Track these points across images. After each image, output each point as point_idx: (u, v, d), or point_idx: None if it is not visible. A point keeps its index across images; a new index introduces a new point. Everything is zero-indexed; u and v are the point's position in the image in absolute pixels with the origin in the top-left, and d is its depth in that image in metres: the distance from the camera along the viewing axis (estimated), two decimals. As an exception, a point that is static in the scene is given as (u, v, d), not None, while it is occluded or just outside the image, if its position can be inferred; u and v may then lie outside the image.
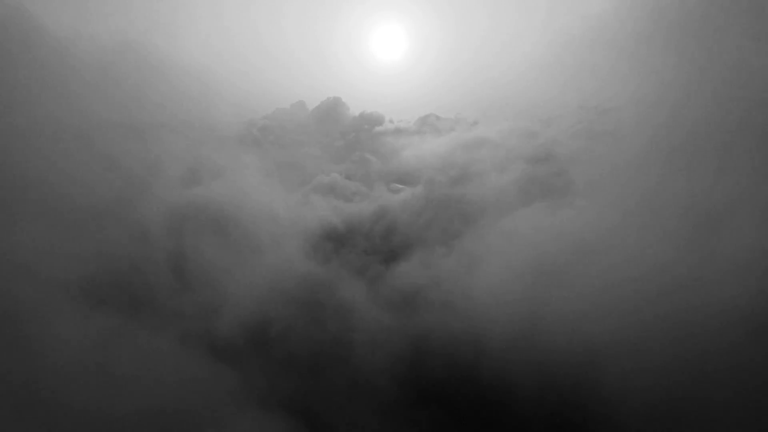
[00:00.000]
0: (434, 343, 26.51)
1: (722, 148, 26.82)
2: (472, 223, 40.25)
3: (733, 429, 17.68)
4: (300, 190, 54.60)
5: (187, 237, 34.31)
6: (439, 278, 32.36)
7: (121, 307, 25.07)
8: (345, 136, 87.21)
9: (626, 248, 26.79)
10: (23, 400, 17.51)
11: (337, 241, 40.74)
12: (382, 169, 69.93)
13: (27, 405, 17.46)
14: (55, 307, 21.89)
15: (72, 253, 25.73)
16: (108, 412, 17.85)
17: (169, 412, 18.63)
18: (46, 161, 30.64)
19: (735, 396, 17.88)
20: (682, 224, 25.18)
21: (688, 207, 25.85)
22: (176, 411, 18.80)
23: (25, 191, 27.82)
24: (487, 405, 22.59)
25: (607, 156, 43.17)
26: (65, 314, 21.84)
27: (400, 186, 59.13)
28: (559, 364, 21.67)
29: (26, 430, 17.08)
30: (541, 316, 25.03)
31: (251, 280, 31.71)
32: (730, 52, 31.29)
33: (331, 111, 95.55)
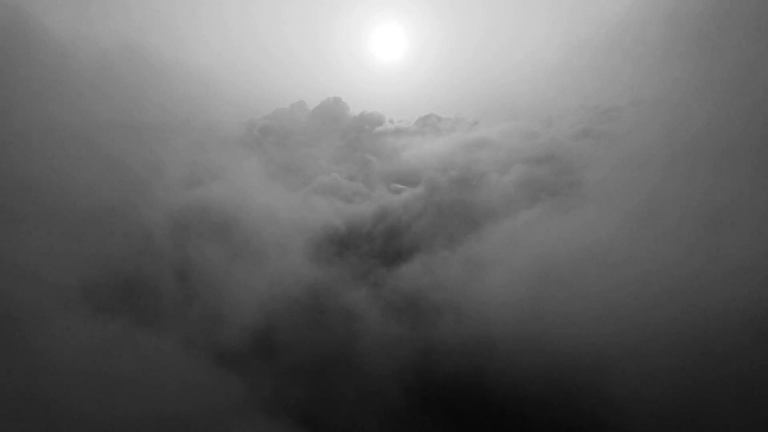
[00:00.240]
0: (439, 347, 26.38)
1: (725, 150, 26.77)
2: (474, 225, 40.14)
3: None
4: (301, 190, 54.50)
5: (189, 240, 34.18)
6: (442, 282, 32.26)
7: (123, 311, 24.89)
8: (345, 136, 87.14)
9: (629, 250, 26.70)
10: (26, 405, 17.39)
11: (339, 244, 40.63)
12: (383, 170, 69.86)
13: (29, 410, 17.35)
14: (58, 311, 21.74)
15: (74, 256, 25.56)
16: (110, 417, 17.71)
17: (172, 417, 18.47)
18: (47, 163, 30.47)
19: (742, 399, 17.76)
20: (685, 225, 25.10)
21: (692, 208, 25.77)
22: (179, 417, 18.64)
23: (25, 193, 27.66)
24: (493, 411, 22.44)
25: (608, 157, 43.14)
26: (67, 319, 21.68)
27: (401, 186, 59.06)
28: (566, 367, 21.54)
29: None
30: (544, 318, 24.95)
31: (254, 284, 31.57)
32: (733, 54, 31.23)
33: (331, 111, 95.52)
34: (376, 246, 40.81)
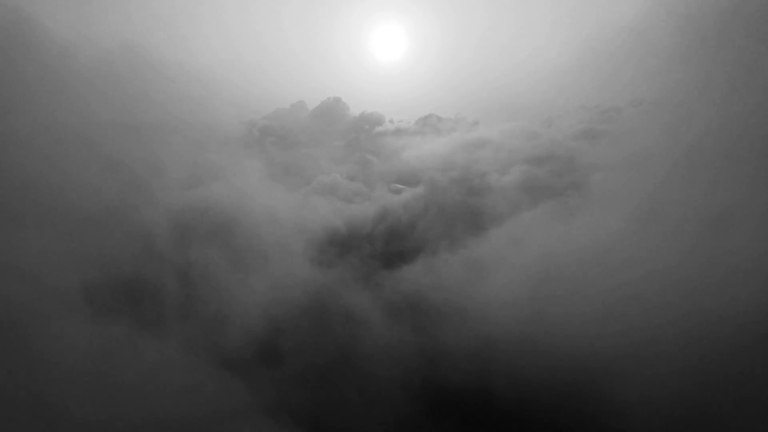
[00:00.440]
0: (442, 349, 26.28)
1: (726, 150, 26.71)
2: (475, 226, 40.14)
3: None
4: (301, 190, 54.50)
5: (190, 241, 34.10)
6: (443, 283, 32.20)
7: (124, 313, 24.80)
8: (345, 136, 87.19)
9: (631, 250, 26.64)
10: (27, 408, 17.32)
11: (340, 246, 40.53)
12: (383, 170, 69.88)
13: (30, 413, 17.28)
14: (58, 313, 21.65)
15: (74, 258, 25.48)
16: (112, 421, 17.64)
17: (174, 421, 18.39)
18: (47, 163, 30.42)
19: (746, 401, 17.69)
20: (687, 226, 25.03)
21: (694, 208, 25.69)
22: (181, 420, 18.55)
23: (25, 194, 27.62)
24: (496, 413, 22.31)
25: (609, 157, 43.06)
26: (68, 321, 21.59)
27: (401, 186, 59.07)
28: (568, 369, 21.44)
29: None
30: (547, 319, 24.87)
31: (256, 287, 31.45)
32: (734, 55, 31.17)
33: (331, 111, 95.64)
34: (377, 247, 40.77)
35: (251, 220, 38.64)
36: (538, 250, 31.75)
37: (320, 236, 40.96)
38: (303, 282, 32.67)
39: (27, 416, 17.15)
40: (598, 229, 31.17)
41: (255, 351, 26.62)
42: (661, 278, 23.27)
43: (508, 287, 28.82)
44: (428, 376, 25.26)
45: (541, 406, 21.05)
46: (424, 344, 27.38)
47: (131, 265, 29.66)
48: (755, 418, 17.41)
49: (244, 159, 58.19)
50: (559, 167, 54.45)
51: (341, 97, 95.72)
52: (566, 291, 26.24)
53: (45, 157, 30.85)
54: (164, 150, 43.31)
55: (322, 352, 27.16)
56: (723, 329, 19.07)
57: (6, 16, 35.22)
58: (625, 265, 25.74)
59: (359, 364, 26.49)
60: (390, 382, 24.96)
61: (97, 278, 25.82)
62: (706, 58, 33.80)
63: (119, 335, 22.29)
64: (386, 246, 41.27)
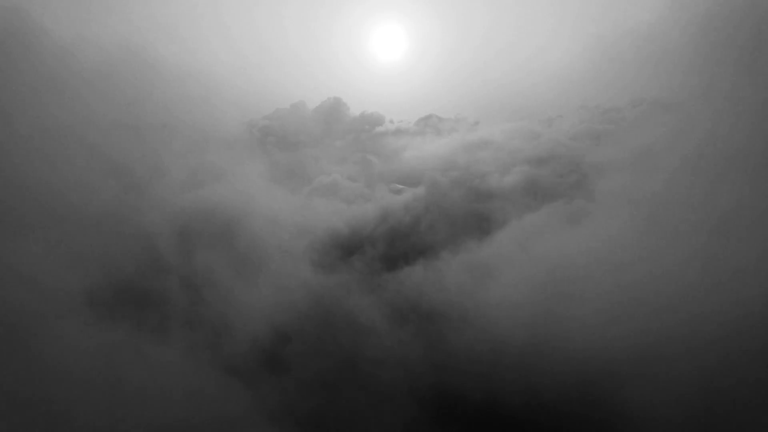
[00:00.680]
0: (448, 355, 26.08)
1: (730, 153, 26.57)
2: (477, 227, 39.99)
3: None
4: (302, 191, 54.33)
5: (191, 244, 33.93)
6: (446, 285, 31.98)
7: (126, 316, 24.64)
8: (345, 137, 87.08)
9: (637, 252, 26.48)
10: (28, 412, 17.18)
11: (342, 248, 40.27)
12: (383, 170, 69.76)
13: (32, 417, 17.14)
14: (59, 317, 21.49)
15: (76, 261, 25.32)
16: (114, 425, 17.53)
17: (177, 426, 18.26)
18: (48, 165, 30.22)
19: (758, 406, 17.54)
20: (693, 228, 24.86)
21: (699, 210, 25.54)
22: (185, 427, 18.41)
23: (25, 196, 27.43)
24: (505, 420, 22.14)
25: (611, 158, 42.92)
26: (70, 325, 21.42)
27: (401, 186, 58.89)
28: (576, 374, 21.27)
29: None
30: (552, 322, 24.69)
31: (259, 291, 31.26)
32: (737, 58, 31.01)
33: (331, 111, 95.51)
34: (378, 249, 40.55)
35: (253, 223, 38.49)
36: (542, 252, 31.58)
37: (322, 239, 40.75)
38: (306, 286, 32.46)
39: (29, 420, 17.01)
40: (602, 231, 31.02)
41: (259, 356, 26.38)
42: (668, 280, 23.11)
43: (512, 290, 28.64)
44: (434, 380, 25.01)
45: (547, 411, 20.89)
46: (429, 348, 27.18)
47: (132, 268, 29.49)
48: (764, 422, 17.29)
49: (245, 160, 57.95)
50: (561, 168, 54.41)
51: (341, 97, 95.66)
52: (572, 294, 26.07)
53: (45, 159, 30.63)
54: (165, 151, 43.16)
55: (327, 357, 26.96)
56: (731, 332, 18.92)
57: (6, 16, 34.95)
58: (630, 267, 25.58)
59: (364, 369, 26.24)
60: (396, 387, 24.72)
61: (99, 281, 25.65)
62: (710, 59, 33.70)
63: (121, 339, 22.11)
64: (388, 248, 41.05)
